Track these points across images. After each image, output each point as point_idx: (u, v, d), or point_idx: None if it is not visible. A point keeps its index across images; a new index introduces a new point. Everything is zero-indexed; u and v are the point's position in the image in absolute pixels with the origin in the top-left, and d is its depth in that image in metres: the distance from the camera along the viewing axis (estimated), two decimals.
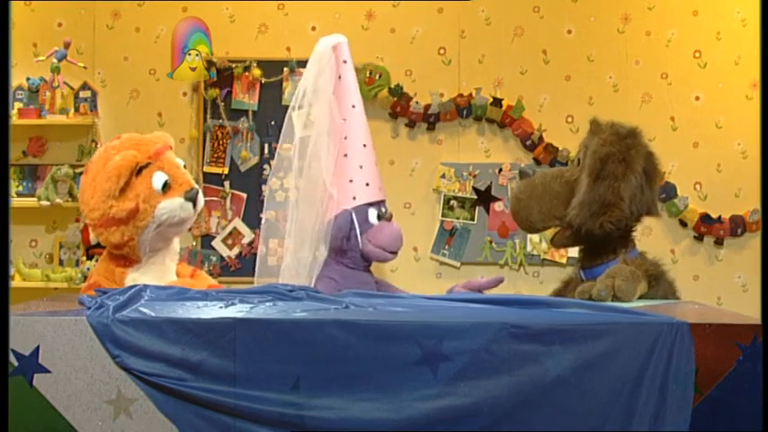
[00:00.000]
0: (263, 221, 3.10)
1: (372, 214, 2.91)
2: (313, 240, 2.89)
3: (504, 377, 1.94)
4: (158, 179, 2.54)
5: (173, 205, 2.56)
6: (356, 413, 1.93)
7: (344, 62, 2.98)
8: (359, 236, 2.88)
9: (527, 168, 2.86)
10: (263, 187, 4.53)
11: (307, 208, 2.89)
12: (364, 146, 2.95)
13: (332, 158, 2.91)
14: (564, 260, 4.47)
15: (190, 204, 2.59)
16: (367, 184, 2.92)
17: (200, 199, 2.66)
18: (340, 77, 2.97)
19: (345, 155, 2.93)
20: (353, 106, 2.97)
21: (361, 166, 2.93)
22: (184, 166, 2.69)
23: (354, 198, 2.90)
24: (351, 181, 2.91)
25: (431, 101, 4.56)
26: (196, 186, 2.65)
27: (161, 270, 2.63)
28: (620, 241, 2.74)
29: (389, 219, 2.95)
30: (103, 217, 2.49)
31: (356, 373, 1.95)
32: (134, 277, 2.57)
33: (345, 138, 2.94)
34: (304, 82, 2.96)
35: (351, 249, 2.90)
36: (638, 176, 2.63)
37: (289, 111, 2.95)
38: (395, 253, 2.95)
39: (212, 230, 4.58)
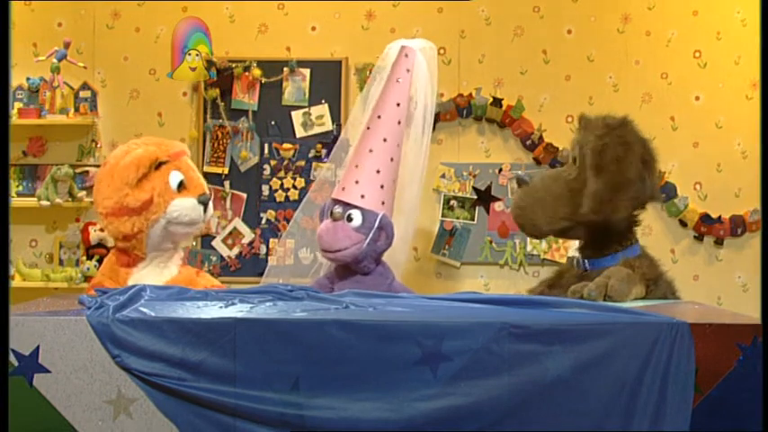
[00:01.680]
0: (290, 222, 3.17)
1: (330, 211, 2.93)
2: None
3: (504, 377, 1.95)
4: (175, 177, 2.61)
5: (185, 204, 2.61)
6: (356, 413, 1.93)
7: (407, 71, 3.03)
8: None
9: (523, 176, 2.90)
10: (263, 187, 4.55)
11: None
12: (370, 151, 2.95)
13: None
14: (564, 260, 4.46)
15: (201, 208, 2.66)
16: (343, 189, 2.93)
17: (211, 207, 2.73)
18: (399, 81, 3.01)
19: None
20: (379, 117, 2.98)
21: (356, 166, 2.94)
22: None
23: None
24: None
25: None
26: (209, 193, 2.72)
27: (165, 273, 2.65)
28: (625, 232, 2.76)
29: (336, 219, 2.89)
30: (117, 205, 2.53)
31: (356, 373, 1.95)
32: (138, 278, 2.58)
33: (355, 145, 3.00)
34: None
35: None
36: (638, 159, 2.67)
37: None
38: (325, 251, 2.92)
39: (212, 230, 4.58)
